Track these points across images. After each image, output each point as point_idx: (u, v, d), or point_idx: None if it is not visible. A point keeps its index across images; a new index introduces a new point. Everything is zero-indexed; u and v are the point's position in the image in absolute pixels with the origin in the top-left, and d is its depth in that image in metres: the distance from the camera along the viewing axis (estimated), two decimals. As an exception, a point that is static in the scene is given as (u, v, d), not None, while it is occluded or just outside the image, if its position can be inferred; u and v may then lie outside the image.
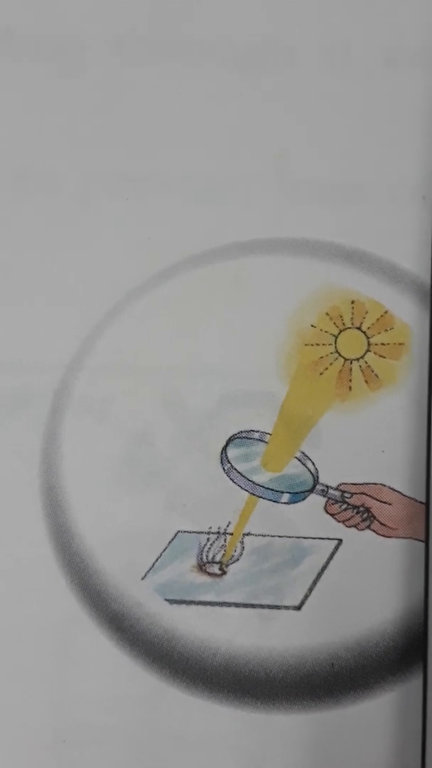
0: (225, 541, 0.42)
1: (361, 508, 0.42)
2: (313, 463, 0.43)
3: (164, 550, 0.42)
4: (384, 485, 0.42)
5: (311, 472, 0.42)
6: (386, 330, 0.44)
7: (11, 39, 0.48)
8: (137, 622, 0.41)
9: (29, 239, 0.46)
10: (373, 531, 0.42)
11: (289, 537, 0.42)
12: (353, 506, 0.42)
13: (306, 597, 0.41)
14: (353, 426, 0.43)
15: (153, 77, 0.47)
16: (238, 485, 0.42)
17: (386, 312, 0.44)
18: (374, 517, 0.42)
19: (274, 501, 0.42)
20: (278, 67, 0.47)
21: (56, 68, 0.47)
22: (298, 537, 0.42)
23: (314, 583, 0.41)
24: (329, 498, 0.42)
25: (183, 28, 0.47)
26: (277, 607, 0.41)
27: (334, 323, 0.44)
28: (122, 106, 0.47)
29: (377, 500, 0.42)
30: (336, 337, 0.44)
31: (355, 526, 0.42)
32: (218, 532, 0.42)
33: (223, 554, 0.42)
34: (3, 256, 0.45)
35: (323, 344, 0.44)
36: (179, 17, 0.47)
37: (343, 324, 0.44)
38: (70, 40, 0.47)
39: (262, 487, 0.42)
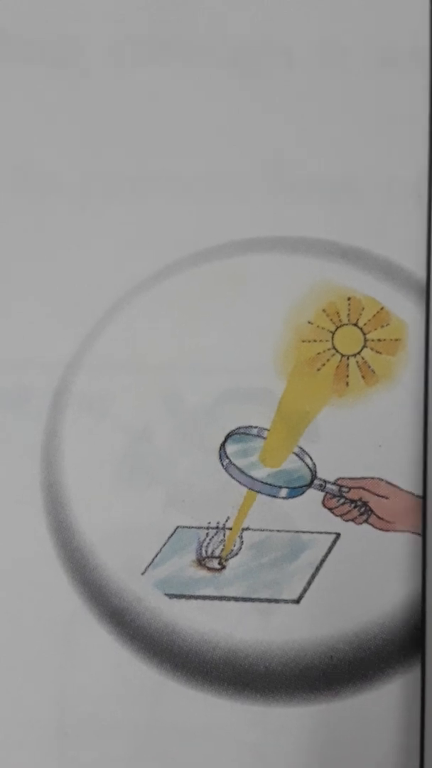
0: (224, 535, 0.42)
1: (359, 502, 0.42)
2: (311, 458, 0.43)
3: (164, 545, 0.42)
4: (381, 479, 0.42)
5: (309, 467, 0.43)
6: (382, 326, 0.44)
7: (10, 41, 0.48)
8: (138, 616, 0.42)
9: (30, 238, 0.46)
10: (371, 525, 0.42)
11: (288, 531, 0.42)
12: (351, 500, 0.42)
13: (305, 590, 0.42)
14: (350, 421, 0.43)
15: (151, 78, 0.48)
16: (237, 480, 0.43)
17: (382, 308, 0.44)
18: (372, 511, 0.42)
19: (272, 496, 0.43)
20: (275, 68, 0.47)
21: (55, 70, 0.48)
22: (297, 531, 0.42)
23: (313, 576, 0.42)
24: (327, 492, 0.43)
25: (181, 30, 0.48)
26: (276, 601, 0.42)
27: (331, 320, 0.44)
28: (121, 107, 0.48)
29: (375, 494, 0.42)
30: (333, 334, 0.44)
31: (352, 520, 0.42)
32: (217, 527, 0.42)
33: (223, 549, 0.42)
34: (4, 254, 0.46)
35: (320, 340, 0.44)
36: (177, 20, 0.48)
37: (340, 320, 0.44)
38: (68, 43, 0.48)
39: (261, 482, 0.43)
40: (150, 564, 0.42)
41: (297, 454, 0.43)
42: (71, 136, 0.47)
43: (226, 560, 0.42)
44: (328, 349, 0.44)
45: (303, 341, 0.44)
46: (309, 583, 0.42)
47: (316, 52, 0.48)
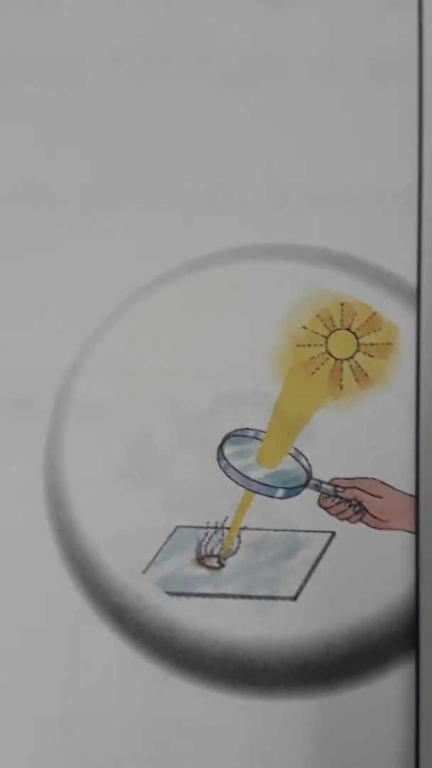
0: (222, 535, 0.43)
1: (354, 502, 0.43)
2: (307, 459, 0.44)
3: (164, 544, 0.43)
4: (375, 479, 0.44)
5: (305, 468, 0.44)
6: (375, 330, 0.45)
7: (12, 59, 0.49)
8: (139, 614, 0.43)
9: (31, 248, 0.47)
10: (365, 523, 0.43)
11: (284, 530, 0.43)
12: (346, 500, 0.43)
13: (301, 588, 0.43)
14: (345, 423, 0.44)
15: (148, 93, 0.49)
16: (235, 481, 0.44)
17: (374, 313, 0.46)
18: (366, 510, 0.43)
19: (269, 496, 0.44)
20: (268, 82, 0.49)
21: (56, 86, 0.49)
22: (293, 530, 0.43)
23: (309, 574, 0.43)
24: (322, 492, 0.44)
25: (177, 46, 0.49)
26: (274, 598, 0.43)
27: (325, 325, 0.46)
28: (119, 122, 0.49)
29: (369, 494, 0.43)
30: (327, 338, 0.45)
31: (347, 519, 0.43)
32: (216, 527, 0.43)
33: (221, 548, 0.43)
34: (7, 264, 0.47)
35: (314, 345, 0.45)
36: (171, 38, 0.49)
37: (333, 325, 0.46)
38: (69, 60, 0.49)
39: (258, 482, 0.44)
40: (151, 563, 0.43)
41: (293, 456, 0.44)
42: (71, 152, 0.48)
43: (225, 559, 0.43)
44: (323, 353, 0.45)
45: (298, 346, 0.45)
46: (305, 581, 0.43)
47: (307, 67, 0.49)
